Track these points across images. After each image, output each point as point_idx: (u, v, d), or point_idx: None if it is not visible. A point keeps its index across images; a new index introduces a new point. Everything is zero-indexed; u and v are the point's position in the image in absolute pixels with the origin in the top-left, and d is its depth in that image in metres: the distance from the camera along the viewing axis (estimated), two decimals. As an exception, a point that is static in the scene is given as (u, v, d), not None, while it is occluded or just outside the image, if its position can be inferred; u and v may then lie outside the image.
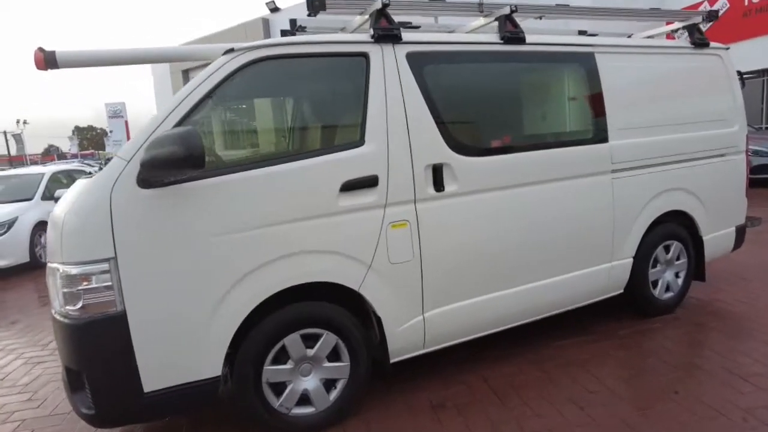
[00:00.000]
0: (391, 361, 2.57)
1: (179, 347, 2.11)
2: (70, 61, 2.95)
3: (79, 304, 1.98)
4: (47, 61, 2.95)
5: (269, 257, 2.20)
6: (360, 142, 2.38)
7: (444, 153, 2.54)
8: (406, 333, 2.54)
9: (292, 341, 2.31)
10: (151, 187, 2.01)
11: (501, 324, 2.85)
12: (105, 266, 1.98)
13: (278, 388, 2.36)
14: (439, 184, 2.51)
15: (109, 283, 1.99)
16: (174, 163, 1.87)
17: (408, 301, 2.53)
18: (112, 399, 2.06)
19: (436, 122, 2.52)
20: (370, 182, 2.36)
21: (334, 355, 2.43)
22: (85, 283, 1.97)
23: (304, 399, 2.38)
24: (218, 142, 2.37)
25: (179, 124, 2.07)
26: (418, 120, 2.48)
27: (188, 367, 2.14)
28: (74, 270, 1.97)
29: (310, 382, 2.40)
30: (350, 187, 2.32)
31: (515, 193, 2.75)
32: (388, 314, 2.48)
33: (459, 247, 2.61)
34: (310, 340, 2.37)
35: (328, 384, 2.45)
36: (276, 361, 2.33)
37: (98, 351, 2.02)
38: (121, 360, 2.03)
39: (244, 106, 2.37)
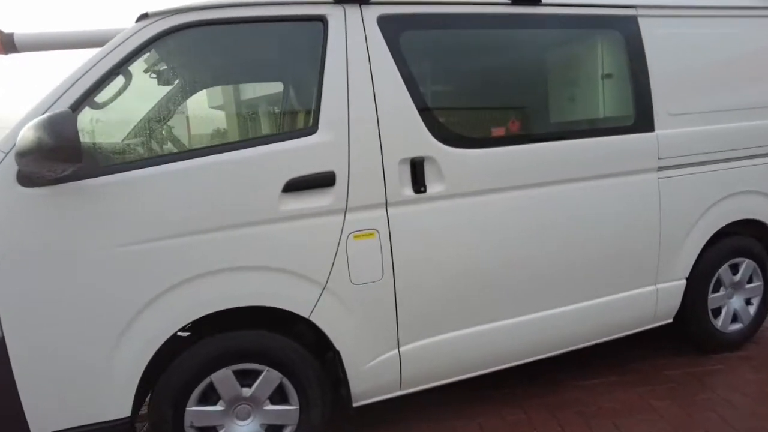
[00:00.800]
0: (355, 404, 2.07)
1: (74, 384, 1.71)
2: (30, 44, 2.66)
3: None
4: (4, 44, 2.66)
5: (186, 275, 1.75)
6: (311, 129, 1.87)
7: (426, 143, 1.99)
8: (376, 371, 2.02)
9: (222, 378, 1.86)
10: (33, 185, 1.61)
11: (505, 361, 2.26)
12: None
13: (206, 433, 1.93)
14: (419, 184, 1.97)
15: (-17, 305, 1.62)
16: (43, 154, 1.46)
17: (377, 331, 2.01)
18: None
19: (417, 104, 1.97)
20: (324, 181, 1.86)
21: (280, 396, 1.97)
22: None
23: (242, 448, 1.94)
24: (125, 129, 1.97)
25: (76, 106, 1.66)
26: (391, 101, 1.94)
27: (86, 407, 1.73)
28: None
29: (248, 428, 1.94)
30: (296, 186, 1.83)
31: (525, 197, 2.15)
32: (349, 348, 1.97)
33: (446, 265, 2.05)
34: (248, 378, 1.92)
35: (272, 431, 1.99)
36: (203, 400, 1.90)
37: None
38: (1, 397, 1.66)
39: (160, 85, 1.95)
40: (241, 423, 1.93)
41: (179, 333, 1.81)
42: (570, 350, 2.40)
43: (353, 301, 1.95)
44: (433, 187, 2.00)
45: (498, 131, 2.20)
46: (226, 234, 1.77)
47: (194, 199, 1.74)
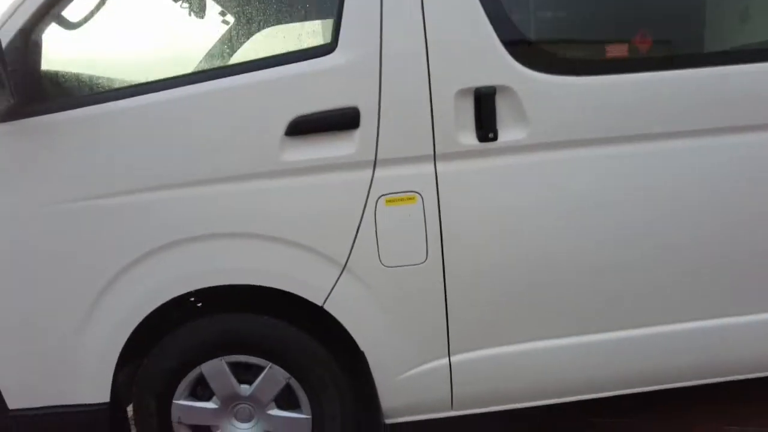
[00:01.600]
0: (387, 421, 1.57)
1: (42, 360, 1.45)
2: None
3: None
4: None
5: (160, 240, 1.36)
6: (327, 46, 1.32)
7: (500, 66, 1.32)
8: (417, 383, 1.49)
9: (214, 371, 1.48)
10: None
11: (596, 388, 1.57)
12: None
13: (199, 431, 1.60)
14: (486, 128, 1.33)
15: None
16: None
17: (418, 332, 1.46)
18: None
19: (485, 6, 1.31)
20: (344, 120, 1.32)
21: (289, 400, 1.54)
22: None
23: (244, 454, 1.57)
24: (96, 56, 1.58)
25: (31, 26, 1.30)
26: (446, 4, 1.30)
27: (59, 386, 1.48)
28: None
29: (239, 430, 1.56)
30: (304, 128, 1.31)
31: (652, 154, 1.38)
32: (378, 349, 1.46)
33: (521, 248, 1.40)
34: (249, 373, 1.52)
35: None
36: (194, 394, 1.55)
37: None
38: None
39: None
40: (240, 426, 1.55)
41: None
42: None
43: (384, 289, 1.41)
44: (507, 133, 1.34)
45: (617, 50, 1.43)
46: (209, 190, 1.33)
47: (168, 143, 1.32)
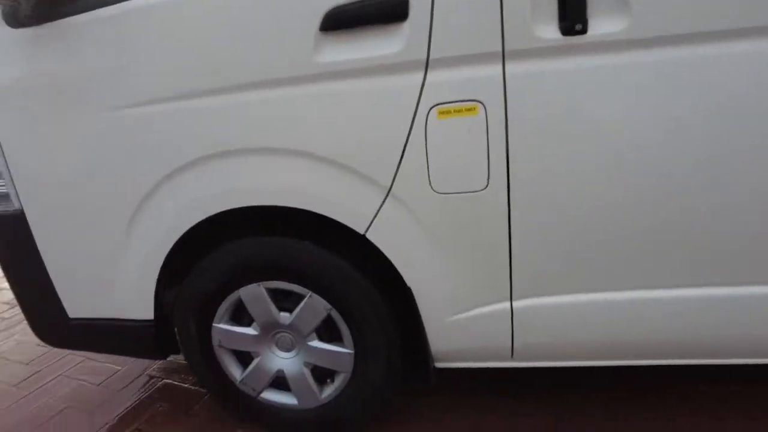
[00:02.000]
0: (438, 365, 1.42)
1: (93, 272, 1.45)
2: None
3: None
4: None
5: (189, 155, 1.24)
6: None
7: (597, -70, 0.98)
8: (470, 327, 1.31)
9: (252, 296, 1.39)
10: (23, 25, 1.25)
11: (686, 354, 1.28)
12: (-14, 142, 1.39)
13: (242, 357, 1.55)
14: (573, 17, 1.02)
15: (-3, 168, 1.41)
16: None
17: (475, 270, 1.25)
18: (40, 317, 1.60)
19: None
20: (389, 11, 1.07)
21: (331, 333, 1.43)
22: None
23: (285, 383, 1.51)
24: None
25: None
26: None
27: (110, 300, 1.49)
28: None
29: (290, 363, 1.48)
30: (342, 21, 1.09)
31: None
32: (427, 285, 1.28)
33: (608, 175, 1.11)
34: (289, 301, 1.42)
35: (321, 374, 1.50)
36: (235, 319, 1.49)
37: (11, 259, 1.53)
38: (34, 272, 1.50)
39: None
40: (281, 354, 1.48)
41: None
42: None
43: (435, 219, 1.21)
44: (600, 24, 1.02)
45: None
46: (236, 98, 1.18)
47: (179, 44, 1.17)
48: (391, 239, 1.25)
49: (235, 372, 1.51)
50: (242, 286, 1.39)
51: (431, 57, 1.08)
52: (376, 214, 1.23)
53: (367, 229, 1.25)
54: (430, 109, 1.12)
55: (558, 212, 1.16)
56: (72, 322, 1.54)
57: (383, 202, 1.22)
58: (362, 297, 1.33)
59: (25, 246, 1.46)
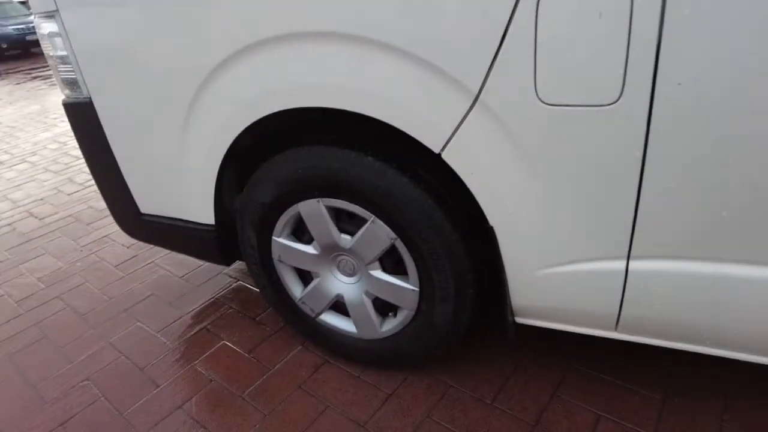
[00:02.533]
0: (516, 320, 1.16)
1: (158, 169, 1.38)
2: None
3: (60, 77, 1.42)
4: None
5: (249, 37, 1.03)
6: None
7: None
8: (569, 284, 1.02)
9: (311, 212, 1.22)
10: None
11: None
12: (52, 26, 1.30)
13: (303, 274, 1.42)
14: None
15: (64, 53, 1.33)
16: None
17: (585, 213, 0.94)
18: (116, 208, 1.60)
19: None
20: None
21: (397, 266, 1.23)
22: (47, 46, 1.36)
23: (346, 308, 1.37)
24: None
25: None
26: None
27: (175, 200, 1.42)
28: (42, 23, 1.36)
29: (350, 290, 1.33)
30: None
31: None
32: (515, 227, 1.00)
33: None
34: (352, 224, 1.23)
35: (383, 306, 1.32)
36: (296, 235, 1.34)
37: (87, 148, 1.50)
38: (107, 163, 1.47)
39: None
40: (342, 278, 1.33)
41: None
42: None
43: (536, 139, 0.89)
44: None
45: None
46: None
47: None
48: (473, 162, 0.97)
49: (295, 289, 1.41)
50: (301, 200, 1.22)
51: None
52: (457, 128, 0.95)
53: (444, 146, 0.97)
54: (546, -20, 0.77)
55: (722, 145, 0.78)
56: (143, 216, 1.52)
57: (467, 112, 0.92)
58: (433, 230, 1.09)
59: (97, 136, 1.42)
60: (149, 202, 1.48)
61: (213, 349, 1.57)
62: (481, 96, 0.90)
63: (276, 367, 1.47)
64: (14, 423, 1.39)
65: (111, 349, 1.62)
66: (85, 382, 1.50)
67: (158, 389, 1.44)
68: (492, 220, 1.02)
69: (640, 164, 0.85)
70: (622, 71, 0.79)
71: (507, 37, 0.83)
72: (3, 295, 1.99)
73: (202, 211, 1.38)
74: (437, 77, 0.91)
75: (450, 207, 1.08)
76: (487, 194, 0.99)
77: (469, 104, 0.91)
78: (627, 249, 0.94)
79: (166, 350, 1.59)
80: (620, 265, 0.96)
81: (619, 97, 0.80)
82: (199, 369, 1.49)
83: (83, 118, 1.41)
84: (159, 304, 1.81)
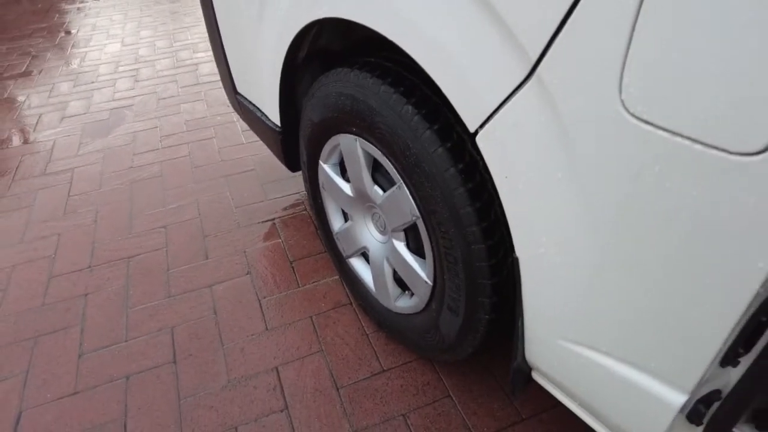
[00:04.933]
0: (533, 373, 0.87)
1: (245, 54, 1.29)
2: None
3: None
4: None
5: None
6: None
7: None
8: (601, 382, 0.69)
9: (348, 149, 1.03)
10: None
11: None
12: None
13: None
14: None
15: None
16: None
17: (656, 302, 0.58)
18: (224, 79, 1.58)
19: None
20: None
21: (418, 249, 1.00)
22: None
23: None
24: None
25: None
26: None
27: (255, 88, 1.34)
28: None
29: (376, 247, 1.14)
30: None
31: None
32: (545, 272, 0.69)
33: None
34: (387, 181, 1.01)
35: (401, 280, 1.11)
36: (341, 167, 1.17)
37: (207, 25, 1.47)
38: (217, 40, 1.43)
39: None
40: (372, 231, 1.15)
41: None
42: None
43: (612, 167, 0.55)
44: None
45: None
46: None
47: None
48: (510, 161, 0.66)
49: (335, 221, 1.28)
50: (341, 132, 1.03)
51: None
52: (502, 105, 0.63)
53: (482, 126, 0.67)
54: None
55: None
56: (237, 95, 1.50)
57: (520, 85, 0.60)
58: (456, 229, 0.82)
59: (209, 11, 1.38)
60: (242, 82, 1.43)
61: (267, 243, 1.58)
62: (538, 68, 0.56)
63: (305, 286, 1.42)
64: (100, 241, 1.62)
65: (194, 207, 1.75)
66: (161, 229, 1.66)
67: (205, 261, 1.52)
68: (519, 250, 0.71)
69: None
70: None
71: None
72: (155, 128, 2.27)
73: (272, 109, 1.28)
74: (499, 39, 0.60)
75: (487, 210, 0.79)
76: (518, 213, 0.69)
77: (524, 75, 0.59)
78: (698, 380, 0.58)
79: (233, 227, 1.65)
80: (679, 399, 0.60)
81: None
82: (246, 257, 1.53)
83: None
84: (254, 181, 1.87)
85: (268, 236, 1.61)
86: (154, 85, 2.69)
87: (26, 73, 2.91)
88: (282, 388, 1.16)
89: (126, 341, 1.29)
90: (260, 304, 1.37)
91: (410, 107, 0.83)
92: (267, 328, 1.30)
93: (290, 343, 1.26)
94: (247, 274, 1.48)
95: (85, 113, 2.43)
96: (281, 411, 1.12)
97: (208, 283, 1.45)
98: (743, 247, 0.46)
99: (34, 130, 2.29)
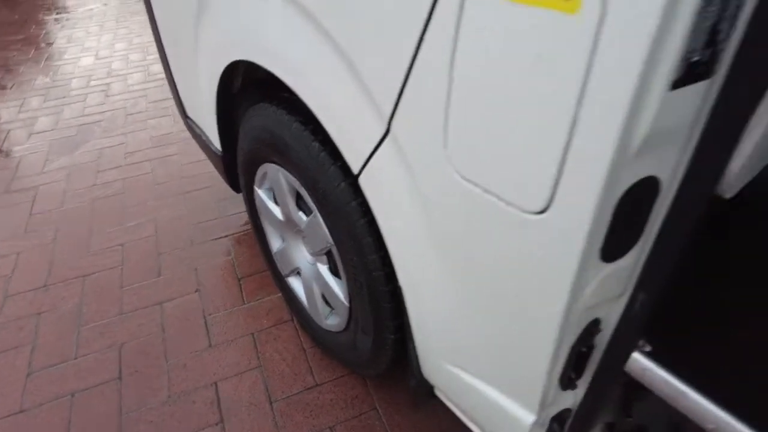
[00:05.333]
0: (436, 391, 0.93)
1: (189, 79, 1.36)
2: None
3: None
4: None
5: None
6: None
7: None
8: (479, 402, 0.76)
9: (274, 177, 1.09)
10: None
11: None
12: None
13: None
14: None
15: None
16: None
17: (498, 333, 0.65)
18: (176, 101, 1.64)
19: None
20: None
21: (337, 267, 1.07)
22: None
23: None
24: None
25: None
26: None
27: (199, 112, 1.41)
28: None
29: (307, 269, 1.20)
30: None
31: None
32: (422, 302, 0.75)
33: None
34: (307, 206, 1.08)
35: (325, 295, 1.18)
36: (271, 191, 1.23)
37: (157, 44, 1.53)
38: (165, 61, 1.49)
39: None
40: (304, 253, 1.21)
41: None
42: None
43: (452, 217, 0.61)
44: None
45: None
46: None
47: None
48: (383, 204, 0.73)
49: (273, 242, 1.34)
50: (266, 161, 1.09)
51: None
52: (372, 155, 0.70)
53: (361, 170, 0.74)
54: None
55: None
56: (188, 119, 1.56)
57: (381, 140, 0.67)
58: (360, 257, 0.88)
59: (158, 36, 1.44)
60: (189, 107, 1.50)
61: (218, 260, 1.64)
62: (392, 126, 0.63)
63: (250, 303, 1.48)
64: (58, 260, 1.67)
65: (153, 225, 1.81)
66: (118, 247, 1.72)
67: (157, 279, 1.58)
68: (401, 279, 0.78)
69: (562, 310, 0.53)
70: (555, 168, 0.46)
71: (420, 52, 0.54)
72: (122, 144, 2.33)
73: (213, 135, 1.34)
74: (362, 89, 0.66)
75: (383, 240, 0.86)
76: (395, 247, 0.75)
77: (383, 130, 0.66)
78: (539, 401, 0.65)
79: (187, 244, 1.71)
80: (529, 417, 0.67)
81: (550, 204, 0.49)
82: (196, 275, 1.59)
83: (151, 19, 1.43)
84: (210, 197, 1.93)
85: (219, 253, 1.67)
86: (125, 100, 2.75)
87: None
88: (219, 402, 1.23)
89: (75, 359, 1.35)
90: (206, 321, 1.44)
91: (317, 144, 0.89)
92: (210, 345, 1.37)
93: (231, 359, 1.32)
94: (197, 291, 1.54)
95: (53, 129, 2.48)
96: (216, 424, 1.18)
97: (159, 300, 1.51)
98: (540, 292, 0.53)
99: (0, 148, 2.34)
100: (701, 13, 0.35)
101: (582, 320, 0.56)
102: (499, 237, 0.55)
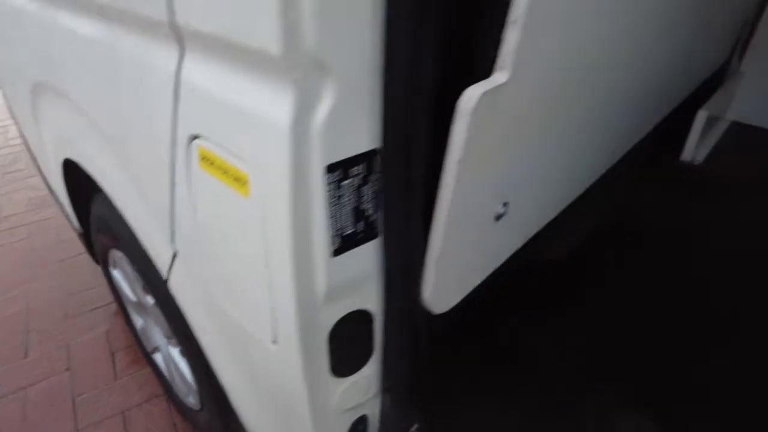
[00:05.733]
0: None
1: (40, 157, 1.33)
2: None
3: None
4: None
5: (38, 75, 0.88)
6: None
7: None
8: None
9: (120, 260, 1.11)
10: None
11: None
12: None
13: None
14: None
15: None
16: None
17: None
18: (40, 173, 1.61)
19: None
20: None
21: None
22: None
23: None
24: None
25: None
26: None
27: (57, 187, 1.38)
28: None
29: (164, 346, 1.21)
30: None
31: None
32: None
33: None
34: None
35: (188, 377, 1.20)
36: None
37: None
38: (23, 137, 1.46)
39: None
40: (159, 332, 1.22)
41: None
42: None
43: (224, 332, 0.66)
44: None
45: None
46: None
47: None
48: (189, 307, 0.77)
49: (136, 320, 1.33)
50: (113, 247, 1.10)
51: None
52: (172, 265, 0.74)
53: (168, 277, 0.78)
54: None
55: None
56: (52, 193, 1.52)
57: (173, 258, 0.71)
58: (191, 347, 0.91)
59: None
60: (50, 181, 1.46)
61: (91, 334, 1.59)
62: (175, 243, 0.67)
63: (122, 378, 1.45)
64: None
65: (23, 298, 1.72)
66: (-19, 328, 1.63)
67: (25, 360, 1.51)
68: (217, 372, 0.82)
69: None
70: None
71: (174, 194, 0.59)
72: (-5, 207, 2.21)
73: (71, 213, 1.32)
74: (144, 201, 0.70)
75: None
76: (206, 348, 0.79)
77: (173, 250, 0.70)
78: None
79: (59, 318, 1.64)
80: None
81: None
82: (68, 352, 1.53)
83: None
84: (87, 265, 1.85)
85: (93, 326, 1.62)
86: (3, 156, 2.61)
87: None
88: (80, 493, 1.19)
89: None
90: (74, 404, 1.39)
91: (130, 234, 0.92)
92: (77, 430, 1.32)
93: (96, 445, 1.29)
94: (67, 370, 1.48)
95: None
96: None
97: (22, 385, 1.44)
98: (294, 398, 0.59)
99: None
100: (333, 208, 0.42)
101: (344, 421, 0.62)
102: (256, 356, 0.60)
